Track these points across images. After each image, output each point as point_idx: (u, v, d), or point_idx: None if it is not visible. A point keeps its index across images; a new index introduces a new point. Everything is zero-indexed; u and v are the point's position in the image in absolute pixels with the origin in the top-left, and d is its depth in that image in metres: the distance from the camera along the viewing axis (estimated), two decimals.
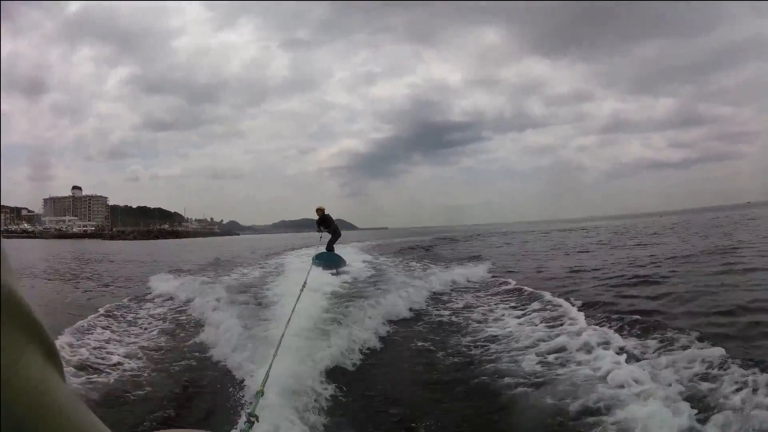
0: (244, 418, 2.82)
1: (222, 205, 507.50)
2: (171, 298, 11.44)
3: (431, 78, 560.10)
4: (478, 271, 14.65)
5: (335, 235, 16.34)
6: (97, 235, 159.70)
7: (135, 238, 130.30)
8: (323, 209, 16.56)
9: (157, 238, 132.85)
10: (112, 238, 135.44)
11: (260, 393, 3.19)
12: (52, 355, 0.41)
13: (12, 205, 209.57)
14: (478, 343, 6.71)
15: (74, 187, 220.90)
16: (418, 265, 17.55)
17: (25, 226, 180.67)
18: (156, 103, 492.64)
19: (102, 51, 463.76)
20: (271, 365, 3.73)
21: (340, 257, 15.64)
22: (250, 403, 3.15)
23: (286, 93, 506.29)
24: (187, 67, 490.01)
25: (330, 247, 16.03)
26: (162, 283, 13.49)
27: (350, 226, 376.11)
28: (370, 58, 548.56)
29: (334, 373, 5.42)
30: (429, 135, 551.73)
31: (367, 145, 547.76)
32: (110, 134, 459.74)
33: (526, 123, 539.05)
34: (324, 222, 16.31)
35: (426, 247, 29.48)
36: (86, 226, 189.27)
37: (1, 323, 0.35)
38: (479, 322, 8.05)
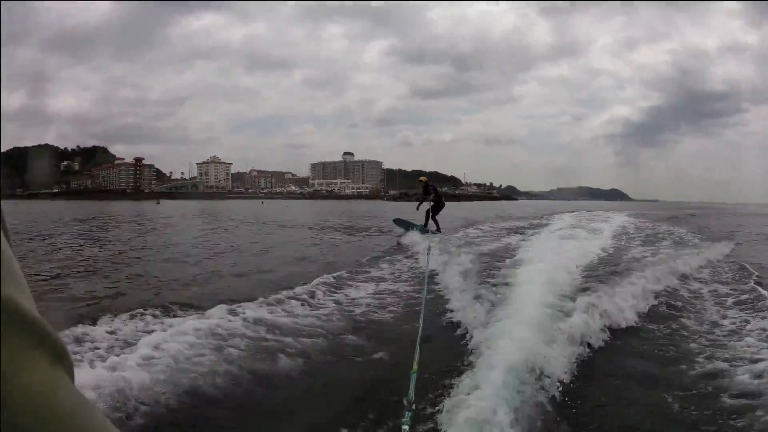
0: (406, 407, 2.86)
1: (499, 170, 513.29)
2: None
3: (687, 44, 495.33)
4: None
5: (438, 205, 17.66)
6: (374, 196, 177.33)
7: (418, 200, 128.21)
8: (427, 180, 18.50)
9: None
10: (394, 199, 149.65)
11: (414, 373, 3.22)
12: (60, 357, 0.41)
13: (272, 170, 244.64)
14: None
15: (345, 153, 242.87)
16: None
17: (292, 188, 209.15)
18: (421, 72, 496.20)
19: (353, 27, 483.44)
20: (419, 341, 3.83)
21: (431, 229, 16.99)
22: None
23: (553, 59, 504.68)
24: (448, 36, 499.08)
25: (430, 219, 17.37)
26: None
27: (624, 196, 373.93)
28: (627, 22, 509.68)
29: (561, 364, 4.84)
30: (690, 104, 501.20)
31: (637, 113, 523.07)
32: (376, 103, 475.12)
33: None
34: (428, 191, 17.68)
35: None
36: (360, 189, 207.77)
37: (2, 330, 0.35)
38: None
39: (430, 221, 17.19)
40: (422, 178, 18.79)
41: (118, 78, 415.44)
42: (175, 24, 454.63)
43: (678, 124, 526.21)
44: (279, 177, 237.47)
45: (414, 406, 2.81)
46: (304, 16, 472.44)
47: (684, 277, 9.65)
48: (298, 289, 8.02)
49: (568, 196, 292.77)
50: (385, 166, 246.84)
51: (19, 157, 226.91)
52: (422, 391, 3.78)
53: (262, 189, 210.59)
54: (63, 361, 0.40)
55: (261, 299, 7.06)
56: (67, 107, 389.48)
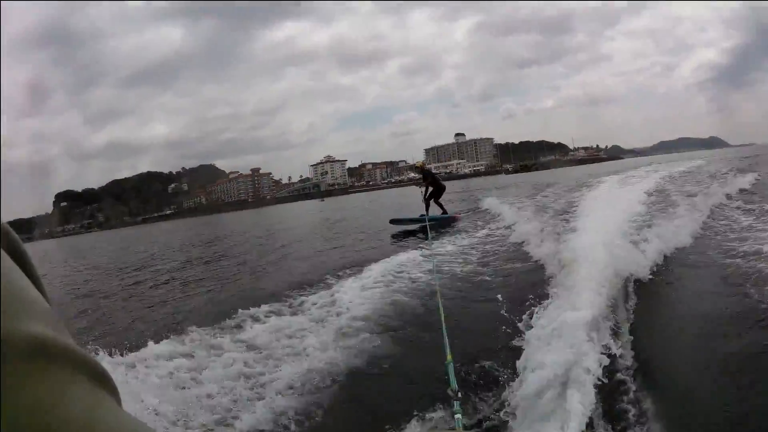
0: (452, 396, 2.85)
1: (603, 131, 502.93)
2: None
3: None
4: None
5: (438, 189, 17.59)
6: (492, 172, 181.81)
7: (536, 169, 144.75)
8: (423, 164, 19.75)
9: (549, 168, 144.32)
10: (515, 172, 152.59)
11: (449, 363, 3.21)
12: (102, 380, 0.41)
13: (383, 160, 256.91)
14: None
15: (457, 134, 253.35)
16: None
17: (412, 174, 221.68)
18: (511, 42, 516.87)
19: (435, 11, 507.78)
20: (444, 330, 3.70)
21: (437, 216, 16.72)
22: (445, 377, 3.15)
23: (635, 11, 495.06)
24: (532, 5, 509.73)
25: (429, 204, 17.23)
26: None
27: (722, 143, 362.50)
28: None
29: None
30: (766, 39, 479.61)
31: (721, 54, 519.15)
32: (473, 81, 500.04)
33: None
34: (426, 177, 17.88)
35: None
36: (476, 167, 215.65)
37: (29, 366, 0.35)
38: None
39: (431, 210, 16.98)
40: (417, 162, 19.92)
41: (209, 98, 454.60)
42: (256, 38, 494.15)
43: (762, 61, 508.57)
44: (393, 166, 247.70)
45: (459, 394, 2.82)
46: (385, 8, 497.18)
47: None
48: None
49: (670, 149, 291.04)
50: (495, 141, 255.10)
51: (120, 188, 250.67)
52: (465, 377, 4.15)
53: (383, 180, 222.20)
54: (105, 384, 0.41)
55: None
56: (159, 134, 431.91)
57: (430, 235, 10.75)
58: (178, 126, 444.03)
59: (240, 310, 7.06)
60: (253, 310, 7.09)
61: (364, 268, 9.15)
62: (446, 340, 3.45)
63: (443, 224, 15.59)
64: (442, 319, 3.85)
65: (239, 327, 6.52)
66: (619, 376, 3.96)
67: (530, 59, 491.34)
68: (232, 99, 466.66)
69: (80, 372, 0.38)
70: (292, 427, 4.05)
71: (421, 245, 11.20)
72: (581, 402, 3.39)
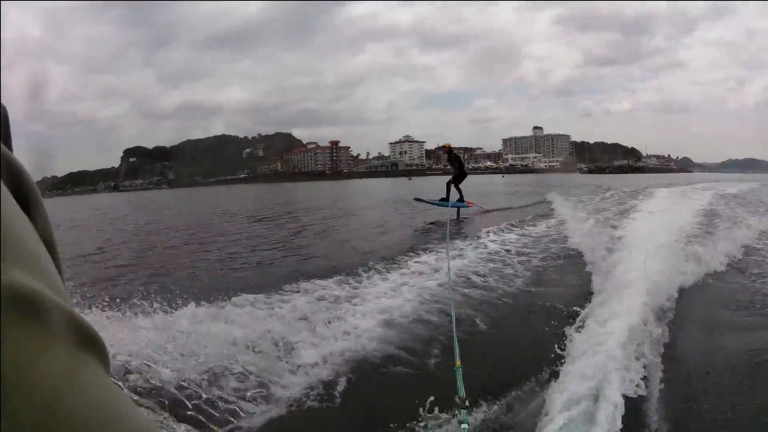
0: (459, 404, 2.74)
1: (675, 141, 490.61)
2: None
3: None
4: None
5: (461, 174, 17.43)
6: (566, 170, 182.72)
7: (611, 172, 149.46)
8: (450, 146, 18.67)
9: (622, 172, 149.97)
10: (590, 172, 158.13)
11: (458, 368, 3.07)
12: (89, 344, 0.38)
13: (458, 145, 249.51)
14: None
15: (535, 127, 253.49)
16: None
17: (489, 163, 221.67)
18: (591, 39, 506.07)
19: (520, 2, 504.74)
20: (454, 330, 3.67)
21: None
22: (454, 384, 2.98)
23: (713, 19, 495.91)
24: (611, 4, 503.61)
25: (450, 188, 17.05)
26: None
27: None
28: None
29: None
30: None
31: None
32: (553, 73, 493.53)
33: None
34: (451, 159, 18.09)
35: None
36: (551, 162, 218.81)
37: (4, 324, 0.32)
38: None
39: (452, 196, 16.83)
40: (445, 144, 19.22)
41: (287, 66, 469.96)
42: (336, 12, 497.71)
43: None
44: (470, 153, 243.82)
45: (467, 403, 2.70)
46: None
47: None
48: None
49: (738, 169, 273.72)
50: (572, 138, 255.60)
51: (192, 148, 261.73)
52: (476, 388, 3.63)
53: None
54: (92, 348, 0.39)
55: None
56: (235, 99, 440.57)
57: (449, 230, 9.51)
58: (255, 92, 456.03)
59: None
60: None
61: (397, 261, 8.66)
62: (456, 344, 3.38)
63: (462, 212, 16.46)
64: (453, 321, 3.84)
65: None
66: (644, 406, 3.53)
67: (609, 58, 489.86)
68: (311, 69, 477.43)
69: (64, 332, 0.37)
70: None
71: (442, 240, 9.77)
72: None
